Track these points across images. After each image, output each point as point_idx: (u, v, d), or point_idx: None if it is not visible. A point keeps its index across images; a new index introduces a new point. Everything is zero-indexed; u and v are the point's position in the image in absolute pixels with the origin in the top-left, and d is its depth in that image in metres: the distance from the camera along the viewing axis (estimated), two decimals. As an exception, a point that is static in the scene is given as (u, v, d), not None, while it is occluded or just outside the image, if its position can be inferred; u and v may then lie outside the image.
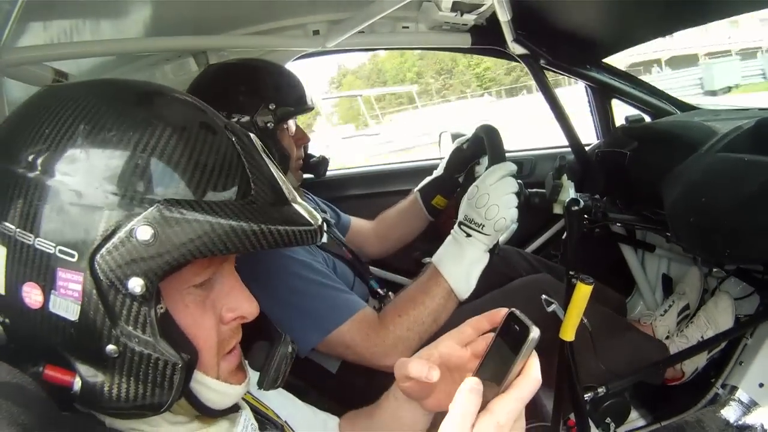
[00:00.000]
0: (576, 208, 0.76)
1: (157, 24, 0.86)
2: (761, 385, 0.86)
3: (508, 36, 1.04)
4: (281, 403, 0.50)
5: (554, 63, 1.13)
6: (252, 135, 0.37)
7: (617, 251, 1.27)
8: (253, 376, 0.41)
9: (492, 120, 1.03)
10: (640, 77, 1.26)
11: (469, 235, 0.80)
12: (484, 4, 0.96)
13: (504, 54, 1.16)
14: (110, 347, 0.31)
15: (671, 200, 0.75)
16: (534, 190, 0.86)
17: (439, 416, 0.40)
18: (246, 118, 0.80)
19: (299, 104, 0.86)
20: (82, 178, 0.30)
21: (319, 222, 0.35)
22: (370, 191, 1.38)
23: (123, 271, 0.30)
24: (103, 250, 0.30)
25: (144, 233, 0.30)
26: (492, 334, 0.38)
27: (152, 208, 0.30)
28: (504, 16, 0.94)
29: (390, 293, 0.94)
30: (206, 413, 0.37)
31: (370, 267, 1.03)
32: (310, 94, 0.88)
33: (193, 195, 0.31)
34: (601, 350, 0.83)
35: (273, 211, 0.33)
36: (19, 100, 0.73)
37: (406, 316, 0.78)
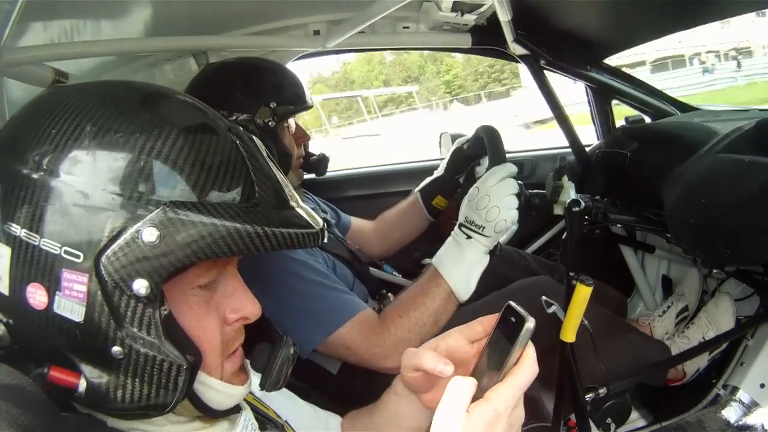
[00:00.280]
0: (576, 209, 0.76)
1: (157, 24, 0.86)
2: (762, 386, 0.86)
3: (509, 36, 1.04)
4: (283, 403, 0.50)
5: (554, 63, 1.13)
6: (255, 138, 0.37)
7: (617, 252, 1.27)
8: (255, 377, 0.41)
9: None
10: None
11: (469, 237, 0.79)
12: (484, 4, 0.96)
13: (504, 54, 1.16)
14: (115, 349, 0.31)
15: (671, 201, 0.75)
16: (534, 191, 0.86)
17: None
18: (246, 117, 0.80)
19: (299, 102, 0.86)
20: (89, 179, 0.30)
21: (321, 225, 0.35)
22: (370, 192, 1.38)
23: (128, 272, 0.30)
24: (109, 252, 0.30)
25: (150, 235, 0.30)
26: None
27: (158, 210, 0.30)
28: (504, 17, 0.94)
29: (390, 294, 0.94)
30: (208, 414, 0.37)
31: (371, 268, 1.02)
32: (309, 93, 0.89)
33: (198, 197, 0.31)
34: (601, 351, 0.83)
35: (276, 213, 0.33)
36: (20, 100, 0.74)
37: (407, 317, 0.78)
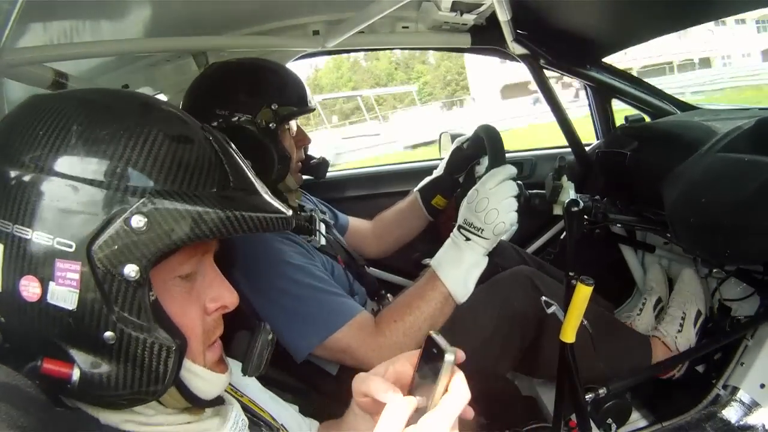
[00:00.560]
0: (576, 209, 0.76)
1: (157, 24, 0.86)
2: (762, 386, 0.86)
3: (508, 36, 1.04)
4: (276, 408, 0.51)
5: (554, 63, 1.13)
6: (225, 136, 0.40)
7: (617, 252, 1.27)
8: (236, 368, 0.43)
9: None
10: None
11: (468, 239, 0.79)
12: (483, 4, 0.96)
13: (504, 54, 1.16)
14: (108, 333, 0.32)
15: (671, 200, 0.74)
16: (534, 191, 0.86)
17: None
18: (247, 118, 0.80)
19: (301, 104, 0.85)
20: (78, 173, 0.32)
21: (290, 213, 0.39)
22: (369, 192, 1.38)
23: (118, 258, 0.32)
24: (100, 239, 0.32)
25: (138, 221, 0.32)
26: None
27: (144, 198, 0.33)
28: (504, 16, 0.94)
29: (389, 295, 0.94)
30: (196, 403, 0.38)
31: (369, 268, 1.02)
32: (310, 95, 0.88)
33: (179, 187, 0.34)
34: (601, 351, 0.83)
35: (249, 200, 0.37)
36: (19, 100, 0.73)
37: (401, 321, 0.77)
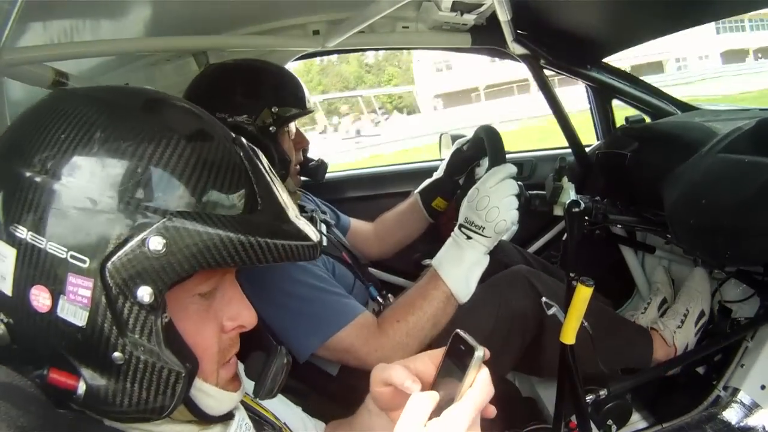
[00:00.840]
0: (576, 209, 0.76)
1: (157, 24, 0.85)
2: (763, 387, 0.85)
3: (508, 36, 1.04)
4: (279, 406, 0.51)
5: (554, 63, 1.13)
6: (257, 149, 0.38)
7: (617, 253, 1.27)
8: (249, 385, 0.42)
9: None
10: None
11: (469, 238, 0.79)
12: (483, 4, 0.96)
13: (504, 54, 1.16)
14: (116, 354, 0.31)
15: (671, 201, 0.74)
16: (534, 191, 0.86)
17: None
18: (247, 119, 0.80)
19: (301, 107, 0.85)
20: (97, 186, 0.31)
21: (319, 237, 0.37)
22: (369, 193, 1.38)
23: (133, 279, 0.31)
24: (115, 258, 0.30)
25: (156, 243, 0.30)
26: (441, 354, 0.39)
27: (164, 219, 0.31)
28: (504, 16, 0.94)
29: (390, 296, 0.94)
30: (204, 419, 0.37)
31: (370, 269, 1.02)
32: (309, 96, 0.88)
33: (203, 208, 0.32)
34: (601, 350, 0.82)
35: (278, 226, 0.34)
36: (20, 100, 0.73)
37: (404, 321, 0.77)
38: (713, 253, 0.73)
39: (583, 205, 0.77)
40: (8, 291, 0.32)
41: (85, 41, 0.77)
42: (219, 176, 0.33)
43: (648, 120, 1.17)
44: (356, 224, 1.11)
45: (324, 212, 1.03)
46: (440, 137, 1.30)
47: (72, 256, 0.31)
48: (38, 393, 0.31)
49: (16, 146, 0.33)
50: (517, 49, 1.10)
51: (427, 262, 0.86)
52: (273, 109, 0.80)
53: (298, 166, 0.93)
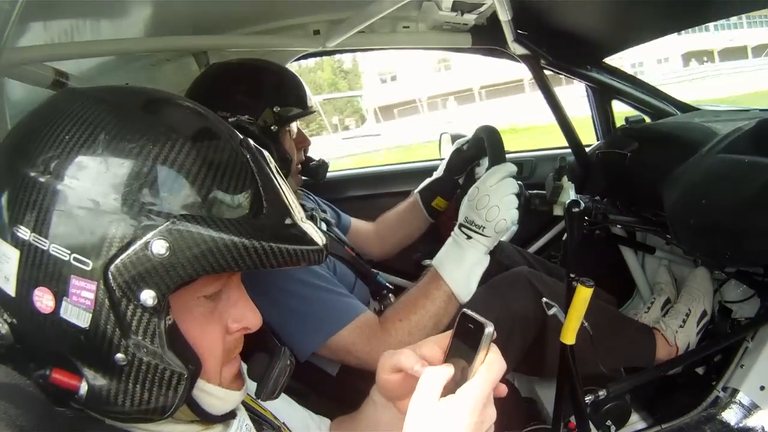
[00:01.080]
0: (576, 209, 0.76)
1: (157, 24, 0.85)
2: (762, 388, 0.85)
3: (509, 36, 1.04)
4: (280, 406, 0.51)
5: (555, 63, 1.13)
6: (265, 152, 0.38)
7: (617, 253, 1.27)
8: (251, 385, 0.42)
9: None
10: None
11: (469, 237, 0.79)
12: (484, 4, 0.96)
13: (505, 54, 1.15)
14: (119, 356, 0.31)
15: (671, 202, 0.74)
16: (534, 191, 0.86)
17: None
18: (249, 119, 0.80)
19: (302, 106, 0.85)
20: (101, 187, 0.31)
21: (324, 241, 0.36)
22: (369, 192, 1.38)
23: (136, 282, 0.30)
24: (118, 261, 0.30)
25: (159, 247, 0.30)
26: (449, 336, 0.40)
27: (168, 222, 0.30)
28: (504, 16, 0.94)
29: (391, 295, 0.94)
30: (206, 419, 0.37)
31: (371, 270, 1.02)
32: (311, 96, 0.88)
33: (208, 211, 0.32)
34: (601, 350, 0.82)
35: (283, 229, 0.34)
36: (20, 99, 0.73)
37: (407, 320, 0.77)
38: (713, 253, 0.73)
39: (583, 205, 0.77)
40: (12, 292, 0.32)
41: (85, 41, 0.77)
42: (225, 178, 0.32)
43: (648, 120, 1.17)
44: (357, 224, 1.11)
45: (324, 211, 1.04)
46: (440, 136, 1.30)
47: (75, 258, 0.30)
48: (38, 393, 0.31)
49: (20, 147, 0.33)
50: (517, 49, 1.09)
51: (427, 262, 0.86)
52: (275, 109, 0.81)
53: (299, 166, 0.93)
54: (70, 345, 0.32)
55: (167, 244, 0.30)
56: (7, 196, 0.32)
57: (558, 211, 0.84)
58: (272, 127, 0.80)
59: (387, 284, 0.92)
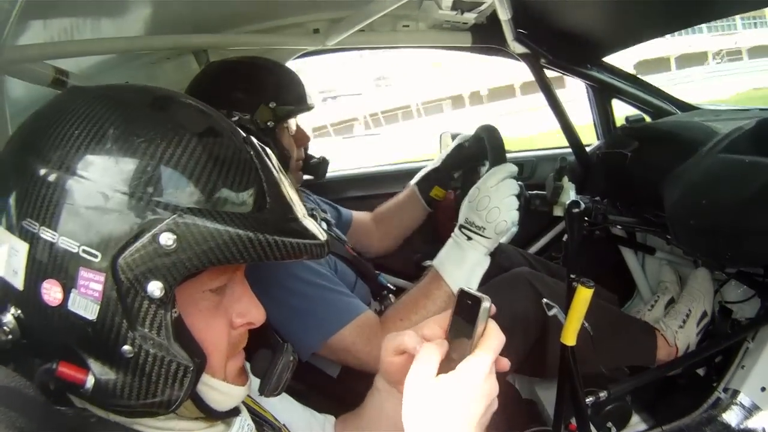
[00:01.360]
0: (577, 210, 0.76)
1: (157, 22, 0.85)
2: (763, 389, 0.85)
3: (509, 35, 1.04)
4: (280, 406, 0.51)
5: (555, 62, 1.12)
6: (268, 149, 0.38)
7: (617, 254, 1.26)
8: (254, 382, 0.42)
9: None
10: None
11: (470, 238, 0.79)
12: (484, 3, 0.96)
13: (504, 53, 1.15)
14: (125, 347, 0.32)
15: (672, 202, 0.74)
16: (535, 192, 0.86)
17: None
18: (246, 116, 0.80)
19: (300, 103, 0.85)
20: (110, 181, 0.31)
21: (326, 236, 0.37)
22: (369, 192, 1.38)
23: (144, 274, 0.31)
24: (126, 253, 0.31)
25: (167, 239, 0.31)
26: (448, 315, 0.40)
27: (175, 215, 0.31)
28: (504, 15, 0.94)
29: (391, 296, 0.93)
30: (209, 414, 0.38)
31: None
32: (310, 93, 0.88)
33: (213, 205, 0.32)
34: (602, 351, 0.82)
35: (286, 224, 0.35)
36: (20, 98, 0.73)
37: (408, 320, 0.77)
38: (714, 254, 0.73)
39: (583, 205, 0.77)
40: (20, 285, 0.32)
41: (85, 39, 0.77)
42: (230, 174, 0.33)
43: (648, 119, 1.17)
44: (359, 216, 1.11)
45: (324, 211, 1.03)
46: (440, 136, 1.30)
47: (84, 251, 0.31)
48: (37, 394, 0.31)
49: (29, 143, 0.34)
50: (517, 48, 1.09)
51: (427, 263, 0.86)
52: (270, 105, 0.81)
53: (300, 162, 0.93)
54: (77, 337, 0.32)
55: (174, 236, 0.31)
56: (17, 192, 0.32)
57: (558, 211, 0.84)
58: (268, 123, 0.80)
59: (388, 285, 0.92)
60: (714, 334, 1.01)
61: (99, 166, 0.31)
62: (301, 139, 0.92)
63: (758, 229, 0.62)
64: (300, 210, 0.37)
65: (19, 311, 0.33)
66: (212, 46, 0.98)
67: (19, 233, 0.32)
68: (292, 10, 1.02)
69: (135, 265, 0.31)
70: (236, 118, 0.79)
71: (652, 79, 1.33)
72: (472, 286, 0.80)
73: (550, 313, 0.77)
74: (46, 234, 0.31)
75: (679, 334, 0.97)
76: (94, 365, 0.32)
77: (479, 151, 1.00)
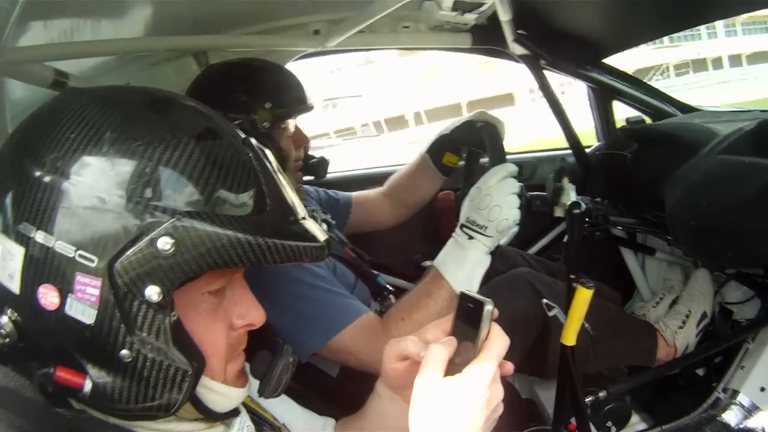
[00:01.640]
0: (577, 211, 0.76)
1: (157, 23, 0.85)
2: (762, 389, 0.85)
3: (509, 36, 1.04)
4: (280, 407, 0.51)
5: (555, 63, 1.13)
6: (267, 151, 0.38)
7: (618, 254, 1.27)
8: (254, 384, 0.42)
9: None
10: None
11: (471, 237, 0.79)
12: (485, 4, 0.96)
13: (504, 54, 1.15)
14: (123, 352, 0.32)
15: (672, 203, 0.74)
16: (535, 192, 0.86)
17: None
18: (243, 118, 0.80)
19: (297, 104, 0.85)
20: (107, 185, 0.31)
21: (326, 238, 0.37)
22: None
23: (141, 279, 0.31)
24: (123, 258, 0.30)
25: (164, 243, 0.30)
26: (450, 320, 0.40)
27: (173, 219, 0.31)
28: (505, 16, 0.94)
29: (391, 296, 0.93)
30: (209, 416, 0.37)
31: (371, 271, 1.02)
32: (309, 95, 0.88)
33: (212, 208, 0.32)
34: (603, 350, 0.82)
35: (286, 226, 0.35)
36: (20, 99, 0.73)
37: (409, 320, 0.77)
38: (714, 254, 0.73)
39: (583, 206, 0.77)
40: (16, 289, 0.32)
41: (85, 41, 0.77)
42: (228, 176, 0.33)
43: (648, 121, 1.17)
44: (361, 195, 1.09)
45: (325, 212, 1.03)
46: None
47: (80, 255, 0.31)
48: (37, 394, 0.31)
49: (25, 145, 0.33)
50: (517, 49, 1.09)
51: (427, 263, 0.86)
52: (266, 105, 0.80)
53: (300, 162, 0.92)
54: (75, 342, 0.32)
55: (172, 240, 0.30)
56: (13, 195, 0.32)
57: (559, 212, 0.84)
58: (265, 124, 0.80)
59: (387, 285, 0.92)
60: (714, 334, 1.01)
61: (95, 169, 0.31)
62: (300, 139, 0.92)
63: (758, 230, 0.62)
64: (300, 211, 0.37)
65: (16, 314, 0.32)
66: (212, 48, 0.98)
67: (14, 237, 0.31)
68: (292, 11, 1.02)
69: (132, 269, 0.30)
70: (238, 122, 0.79)
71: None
72: (474, 285, 0.80)
73: (551, 313, 0.77)
74: (42, 238, 0.31)
75: (678, 334, 0.97)
76: (92, 370, 0.32)
77: (481, 142, 0.98)
